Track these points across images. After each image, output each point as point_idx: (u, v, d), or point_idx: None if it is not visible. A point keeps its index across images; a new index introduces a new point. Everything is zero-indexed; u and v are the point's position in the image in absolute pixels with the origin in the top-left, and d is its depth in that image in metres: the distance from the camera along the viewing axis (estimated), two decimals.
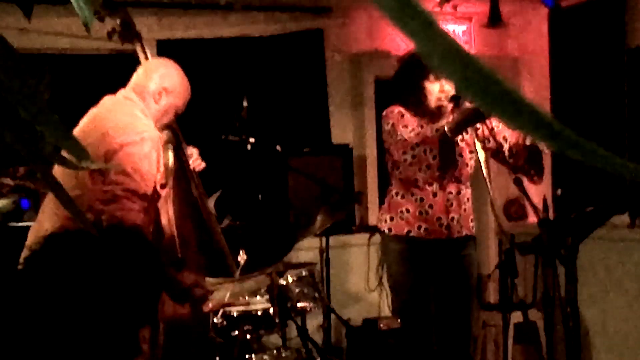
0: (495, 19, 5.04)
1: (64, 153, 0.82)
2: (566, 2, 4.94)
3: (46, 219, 2.76)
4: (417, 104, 3.47)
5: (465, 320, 3.62)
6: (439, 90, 3.41)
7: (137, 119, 2.91)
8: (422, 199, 3.49)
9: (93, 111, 3.00)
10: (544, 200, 3.94)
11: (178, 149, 3.13)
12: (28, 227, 2.94)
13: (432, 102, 3.44)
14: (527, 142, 3.34)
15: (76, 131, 2.90)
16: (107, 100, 3.03)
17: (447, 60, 0.45)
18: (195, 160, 3.23)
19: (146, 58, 3.17)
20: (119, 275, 1.39)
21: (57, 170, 2.77)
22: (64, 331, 1.34)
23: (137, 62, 4.87)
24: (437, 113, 3.46)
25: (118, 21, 3.06)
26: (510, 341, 4.53)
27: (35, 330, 1.35)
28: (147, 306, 1.45)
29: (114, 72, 4.98)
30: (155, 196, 2.87)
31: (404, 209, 3.53)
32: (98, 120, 2.91)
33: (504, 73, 5.39)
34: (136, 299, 1.40)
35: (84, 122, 2.98)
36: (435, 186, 3.48)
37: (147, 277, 1.42)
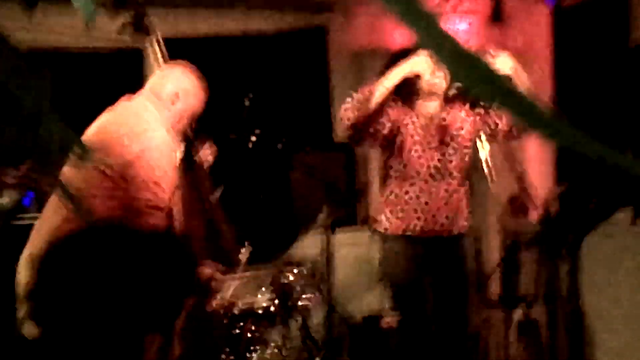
0: (497, 16, 5.04)
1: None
2: (568, 1, 4.94)
3: (52, 213, 2.74)
4: (410, 88, 3.48)
5: (463, 316, 3.62)
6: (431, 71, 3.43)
7: (152, 125, 2.89)
8: (418, 196, 3.49)
9: (109, 114, 2.97)
10: (547, 197, 3.95)
11: (187, 145, 3.13)
12: (30, 224, 2.94)
13: (424, 83, 3.45)
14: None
15: (91, 133, 2.88)
16: (124, 104, 3.01)
17: (448, 55, 0.45)
18: (206, 152, 3.22)
19: (157, 53, 3.15)
20: (141, 277, 1.38)
21: (66, 168, 2.76)
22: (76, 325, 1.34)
23: (141, 59, 4.89)
24: (429, 95, 3.48)
25: (129, 16, 3.05)
26: (512, 337, 4.54)
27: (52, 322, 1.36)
28: (161, 314, 1.45)
29: (117, 69, 4.99)
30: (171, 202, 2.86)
31: (399, 207, 3.52)
32: (114, 124, 2.87)
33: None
34: (150, 304, 1.40)
35: (99, 124, 2.94)
36: (431, 182, 3.48)
37: (172, 285, 1.42)
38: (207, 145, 3.23)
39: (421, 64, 3.32)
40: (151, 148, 2.75)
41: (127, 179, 2.70)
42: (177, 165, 2.96)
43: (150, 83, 3.05)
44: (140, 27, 3.07)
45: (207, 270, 2.87)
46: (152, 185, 2.71)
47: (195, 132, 3.19)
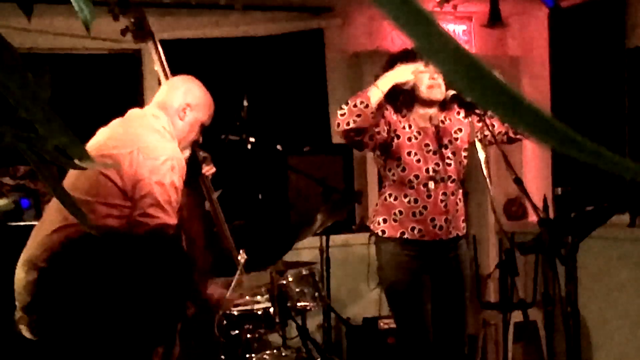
0: (495, 19, 5.05)
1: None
2: (566, 2, 4.94)
3: (52, 217, 2.74)
4: (409, 96, 3.48)
5: (461, 319, 3.62)
6: (429, 77, 3.42)
7: (164, 140, 2.87)
8: (416, 200, 3.48)
9: (121, 125, 2.94)
10: (544, 200, 3.95)
11: (193, 154, 3.12)
12: (28, 227, 2.93)
13: (424, 90, 3.44)
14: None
15: (102, 142, 2.86)
16: (134, 114, 2.99)
17: (446, 59, 0.45)
18: (208, 165, 3.23)
19: (159, 56, 3.14)
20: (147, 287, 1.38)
21: (72, 173, 2.75)
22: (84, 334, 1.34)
23: (139, 62, 4.90)
24: (429, 102, 3.47)
25: (131, 19, 3.05)
26: (510, 340, 4.54)
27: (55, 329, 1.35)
28: (169, 323, 1.45)
29: (115, 72, 5.00)
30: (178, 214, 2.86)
31: (397, 211, 3.50)
32: (127, 137, 2.85)
33: (504, 73, 5.39)
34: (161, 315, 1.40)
35: (111, 134, 2.91)
36: (429, 186, 3.47)
37: (174, 293, 1.41)
38: (208, 161, 3.23)
39: (407, 74, 3.33)
40: (163, 166, 2.74)
41: (137, 196, 2.68)
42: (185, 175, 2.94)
43: (157, 98, 3.03)
44: (142, 31, 3.07)
45: (217, 289, 2.88)
46: (164, 203, 2.69)
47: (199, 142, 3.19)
